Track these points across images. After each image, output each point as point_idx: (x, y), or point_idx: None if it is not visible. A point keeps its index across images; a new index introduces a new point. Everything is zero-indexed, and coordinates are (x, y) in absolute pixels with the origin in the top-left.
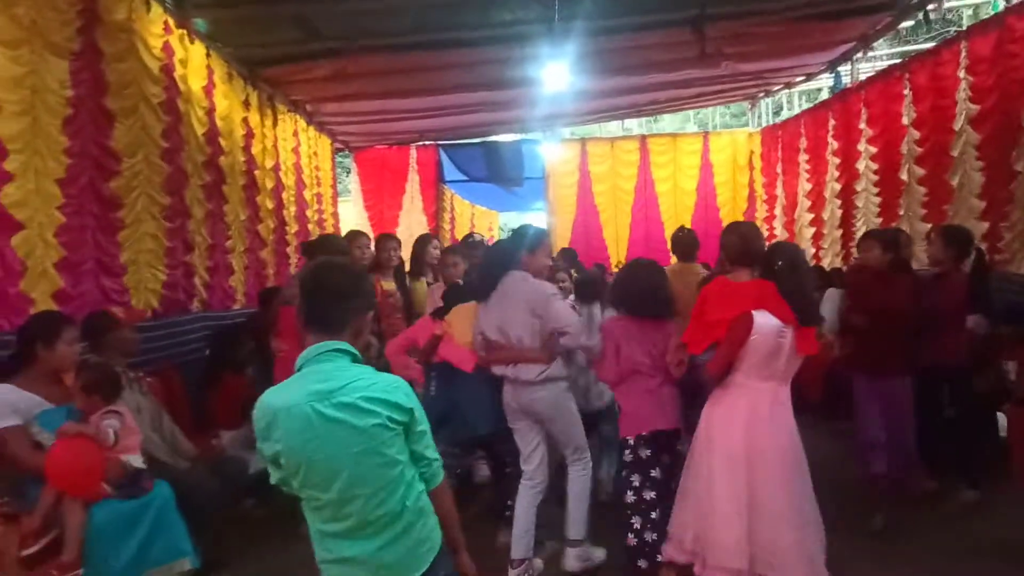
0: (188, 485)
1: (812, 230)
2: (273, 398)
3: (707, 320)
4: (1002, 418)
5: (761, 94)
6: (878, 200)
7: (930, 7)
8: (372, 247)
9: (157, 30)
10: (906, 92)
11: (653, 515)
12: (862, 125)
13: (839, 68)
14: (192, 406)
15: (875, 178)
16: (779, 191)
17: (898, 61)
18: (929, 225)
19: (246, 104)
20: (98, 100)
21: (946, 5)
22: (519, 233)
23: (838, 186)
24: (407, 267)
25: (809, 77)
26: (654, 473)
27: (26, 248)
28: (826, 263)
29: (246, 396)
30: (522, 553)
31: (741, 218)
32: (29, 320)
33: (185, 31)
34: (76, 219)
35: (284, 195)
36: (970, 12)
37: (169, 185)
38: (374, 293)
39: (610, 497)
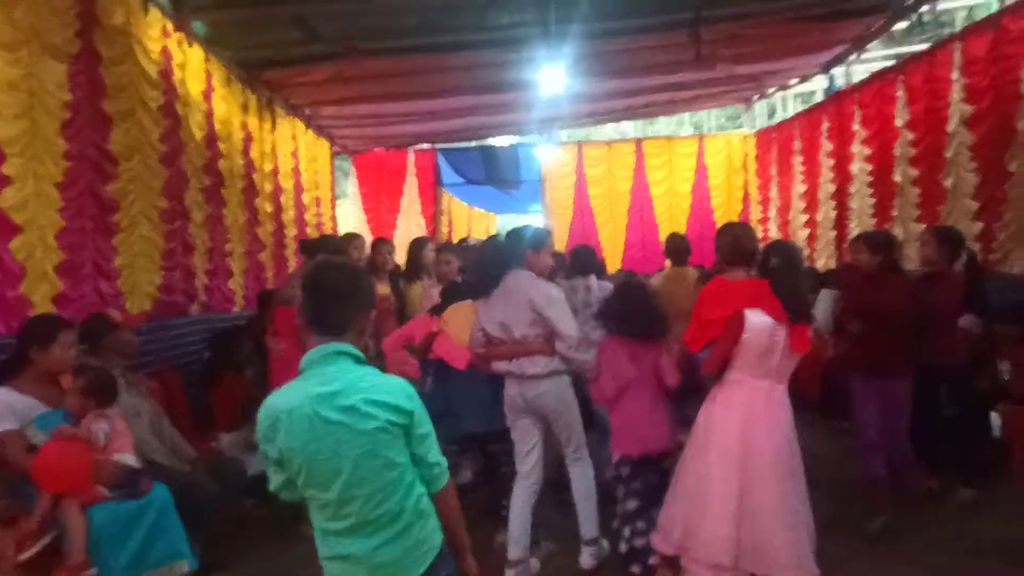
0: (187, 487)
1: (806, 232)
2: (277, 400)
3: (704, 319)
4: (995, 417)
5: (756, 96)
6: (872, 202)
7: (923, 9)
8: (368, 250)
9: (155, 34)
10: (900, 94)
11: (639, 524)
12: (856, 127)
13: (833, 70)
14: (191, 408)
15: (869, 180)
16: (773, 193)
17: (892, 63)
18: (923, 226)
19: (245, 108)
20: (96, 103)
21: (940, 7)
22: (518, 233)
23: (832, 188)
24: (403, 270)
25: (803, 79)
26: (635, 485)
27: (25, 251)
28: (820, 264)
29: (245, 398)
30: (519, 554)
31: (736, 220)
32: (25, 323)
33: (183, 35)
34: (75, 222)
35: (283, 198)
36: (964, 14)
37: (168, 188)
38: (374, 291)
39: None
